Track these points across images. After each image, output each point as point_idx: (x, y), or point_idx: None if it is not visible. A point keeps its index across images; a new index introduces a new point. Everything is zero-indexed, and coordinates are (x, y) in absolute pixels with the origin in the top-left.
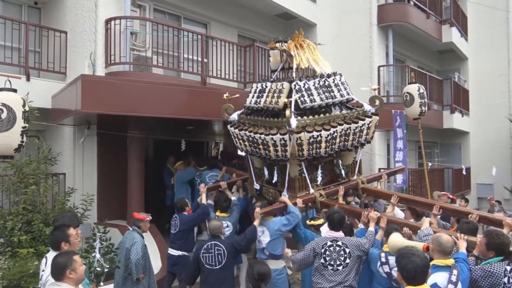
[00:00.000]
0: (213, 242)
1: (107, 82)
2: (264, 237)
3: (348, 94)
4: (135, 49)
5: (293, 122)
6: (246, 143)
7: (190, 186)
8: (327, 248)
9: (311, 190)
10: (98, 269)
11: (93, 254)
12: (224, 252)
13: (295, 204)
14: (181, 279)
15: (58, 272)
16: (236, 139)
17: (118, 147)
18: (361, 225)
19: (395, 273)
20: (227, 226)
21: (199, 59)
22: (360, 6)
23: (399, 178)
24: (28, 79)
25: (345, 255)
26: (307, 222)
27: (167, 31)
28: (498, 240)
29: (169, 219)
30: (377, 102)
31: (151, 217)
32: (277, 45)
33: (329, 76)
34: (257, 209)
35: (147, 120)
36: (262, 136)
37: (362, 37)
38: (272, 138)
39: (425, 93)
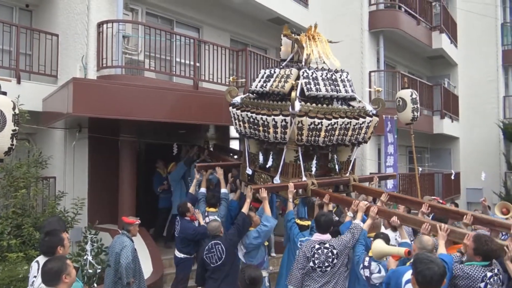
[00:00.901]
0: (213, 241)
1: (99, 85)
2: (240, 251)
3: (352, 91)
4: (127, 53)
5: (297, 104)
6: (246, 124)
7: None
8: (315, 251)
9: (304, 178)
10: (90, 271)
11: (85, 257)
12: (222, 248)
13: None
14: (179, 280)
15: (53, 278)
16: (236, 121)
17: (110, 150)
18: (349, 214)
19: (375, 279)
20: (215, 220)
21: (192, 63)
22: (351, 12)
23: (390, 182)
24: (19, 82)
25: (333, 256)
26: (296, 219)
27: (159, 35)
28: (486, 246)
29: (163, 223)
30: (380, 104)
31: (139, 221)
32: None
33: (336, 71)
34: (248, 188)
35: (139, 124)
36: (264, 117)
37: (354, 43)
38: (273, 119)
39: (417, 98)
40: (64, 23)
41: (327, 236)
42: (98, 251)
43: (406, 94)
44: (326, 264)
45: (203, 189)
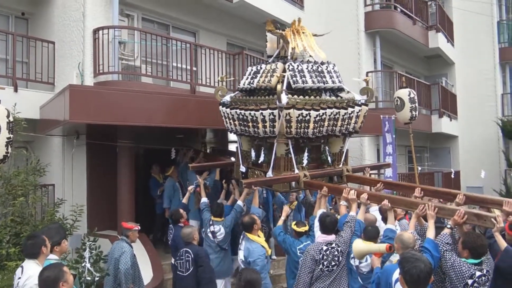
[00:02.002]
0: (184, 249)
1: (95, 91)
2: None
3: (339, 82)
4: (124, 59)
5: (284, 97)
6: (236, 122)
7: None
8: (324, 253)
9: (296, 171)
10: (88, 278)
11: (83, 264)
12: (192, 259)
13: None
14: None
15: (50, 286)
16: (227, 119)
17: (108, 156)
18: (343, 203)
19: (363, 268)
20: (219, 230)
21: (188, 67)
22: (347, 13)
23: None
24: (16, 90)
25: (339, 255)
26: (292, 224)
27: (155, 40)
28: (474, 243)
29: (162, 228)
30: (368, 94)
31: (139, 227)
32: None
33: (322, 63)
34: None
35: (136, 129)
36: (252, 112)
37: (350, 44)
38: (261, 113)
39: (415, 97)
40: (60, 30)
41: (333, 237)
42: (96, 259)
43: (404, 93)
44: (333, 263)
45: (204, 199)
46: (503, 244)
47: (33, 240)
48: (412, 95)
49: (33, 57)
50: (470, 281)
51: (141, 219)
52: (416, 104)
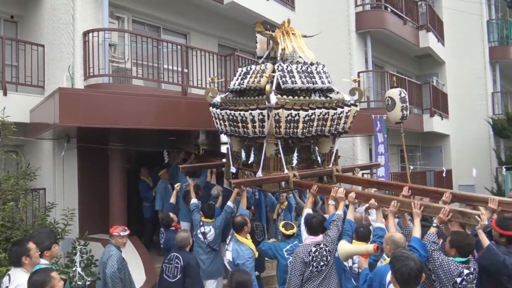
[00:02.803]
0: (176, 253)
1: (85, 94)
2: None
3: (329, 83)
4: (114, 61)
5: (273, 97)
6: (226, 122)
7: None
8: (313, 254)
9: (286, 171)
10: (79, 283)
11: (74, 268)
12: (181, 266)
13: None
14: None
15: None
16: (217, 120)
17: (99, 159)
18: (331, 202)
19: (355, 268)
20: (210, 230)
21: (180, 69)
22: (338, 13)
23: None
24: (5, 94)
25: (327, 254)
26: (280, 225)
27: (146, 42)
28: (461, 242)
29: (153, 230)
30: (357, 94)
31: (127, 231)
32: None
33: (312, 63)
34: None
35: (128, 132)
36: (242, 112)
37: (341, 44)
38: (251, 113)
39: (406, 97)
40: (49, 33)
41: (320, 237)
42: (87, 263)
43: (394, 93)
44: (322, 263)
45: (194, 200)
46: (485, 241)
47: (16, 247)
48: (403, 95)
49: (23, 60)
50: (458, 280)
51: (133, 222)
52: (407, 104)
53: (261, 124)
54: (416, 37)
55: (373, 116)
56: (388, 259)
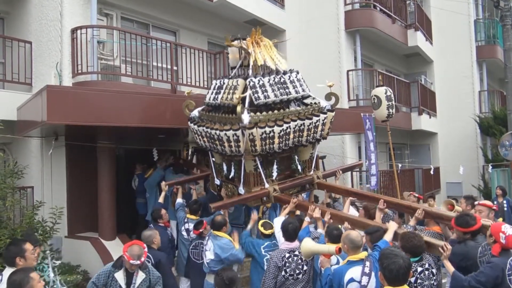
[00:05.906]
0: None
1: (73, 92)
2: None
3: (303, 90)
4: (103, 58)
5: (245, 118)
6: (205, 139)
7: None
8: (286, 260)
9: (266, 185)
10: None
11: (47, 273)
12: (152, 264)
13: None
14: None
15: None
16: (196, 135)
17: (88, 157)
18: (307, 219)
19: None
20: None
21: (169, 67)
22: (327, 12)
23: (373, 180)
24: None
25: (303, 263)
26: (259, 224)
27: (135, 40)
28: (410, 243)
29: (147, 227)
30: (333, 99)
31: (140, 259)
32: (235, 42)
33: (285, 73)
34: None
35: (116, 130)
36: (217, 132)
37: (331, 42)
38: (225, 134)
39: (392, 95)
40: (37, 30)
41: (296, 244)
42: (65, 269)
43: (380, 91)
44: (297, 271)
45: (180, 200)
46: (450, 269)
47: (10, 247)
48: (388, 93)
49: (10, 57)
50: (413, 279)
51: (122, 219)
52: (393, 102)
53: (236, 144)
54: (404, 36)
55: (362, 114)
56: (346, 259)
